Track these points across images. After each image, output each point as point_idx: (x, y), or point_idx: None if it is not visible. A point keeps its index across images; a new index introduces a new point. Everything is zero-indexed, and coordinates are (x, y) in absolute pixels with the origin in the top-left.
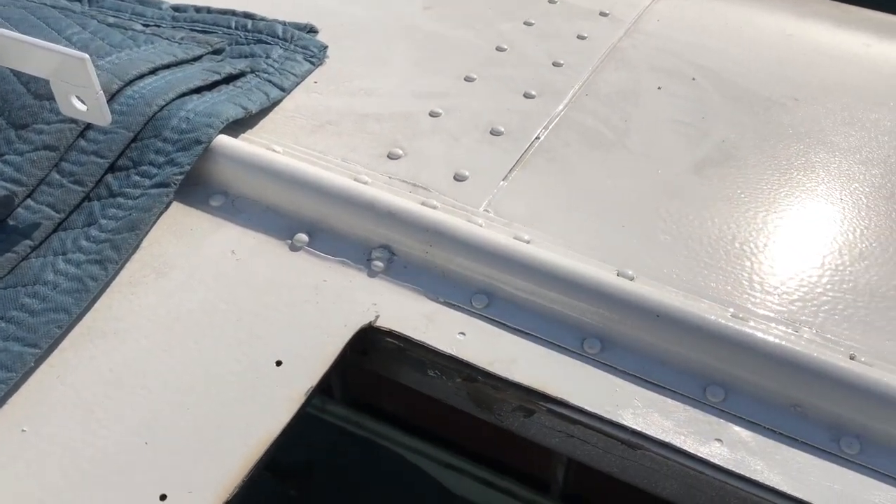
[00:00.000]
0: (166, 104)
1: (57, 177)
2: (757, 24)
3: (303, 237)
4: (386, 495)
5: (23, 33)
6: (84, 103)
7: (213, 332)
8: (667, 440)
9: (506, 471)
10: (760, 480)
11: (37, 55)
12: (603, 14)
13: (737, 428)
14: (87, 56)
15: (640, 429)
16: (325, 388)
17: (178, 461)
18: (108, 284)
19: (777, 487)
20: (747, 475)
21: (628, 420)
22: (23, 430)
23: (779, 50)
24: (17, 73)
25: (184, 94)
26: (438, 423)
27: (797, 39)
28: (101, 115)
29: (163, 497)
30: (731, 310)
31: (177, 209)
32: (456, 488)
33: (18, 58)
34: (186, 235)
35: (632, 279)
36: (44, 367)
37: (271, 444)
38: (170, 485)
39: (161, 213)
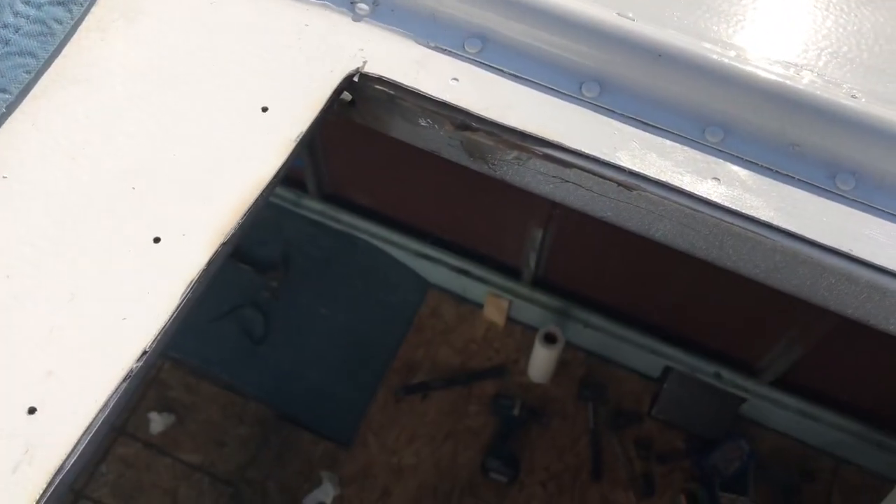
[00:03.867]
0: None
1: None
2: None
3: None
4: (362, 284)
5: None
6: None
7: (192, 79)
8: (663, 179)
9: (480, 260)
10: (756, 216)
11: None
12: None
13: (735, 167)
14: None
15: (637, 169)
16: (299, 183)
17: (169, 205)
18: (74, 29)
19: (771, 222)
20: (743, 211)
21: (625, 161)
22: (3, 177)
23: None
24: None
25: None
26: (414, 215)
27: None
28: None
29: (156, 240)
30: (733, 52)
31: None
32: (431, 276)
33: None
34: None
35: (632, 21)
36: (17, 114)
37: (265, 188)
38: (163, 228)
39: None
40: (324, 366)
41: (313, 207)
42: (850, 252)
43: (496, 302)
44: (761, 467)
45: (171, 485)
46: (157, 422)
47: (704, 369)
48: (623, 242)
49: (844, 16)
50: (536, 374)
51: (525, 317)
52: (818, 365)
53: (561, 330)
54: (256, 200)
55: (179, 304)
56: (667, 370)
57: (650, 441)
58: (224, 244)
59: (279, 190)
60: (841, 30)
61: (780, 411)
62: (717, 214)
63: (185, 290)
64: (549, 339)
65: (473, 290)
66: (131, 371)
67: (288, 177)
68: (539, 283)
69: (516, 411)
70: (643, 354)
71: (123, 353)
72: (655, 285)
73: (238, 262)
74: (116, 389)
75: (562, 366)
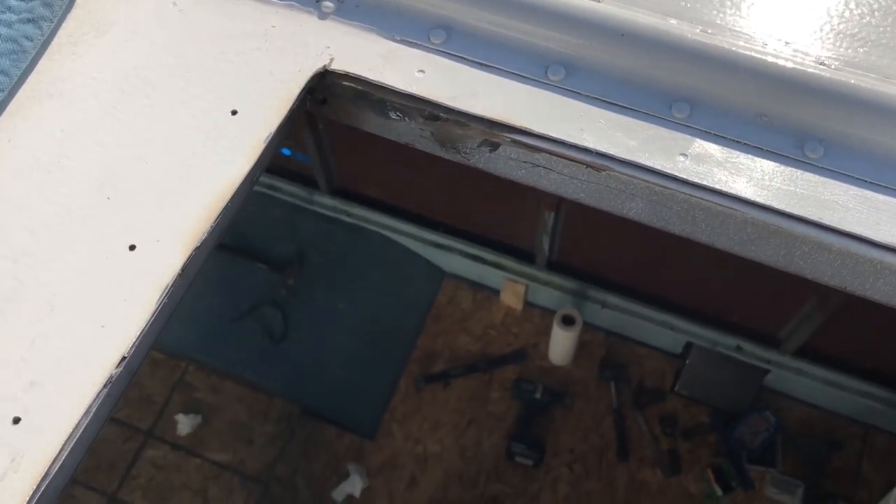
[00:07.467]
0: None
1: None
2: None
3: None
4: (378, 277)
5: None
6: None
7: (163, 87)
8: (631, 159)
9: (494, 246)
10: (724, 190)
11: None
12: None
13: (702, 142)
14: None
15: (604, 150)
16: (309, 179)
17: (143, 213)
18: (46, 45)
19: (740, 195)
20: (711, 185)
21: (592, 142)
22: None
23: None
24: None
25: None
26: (425, 205)
27: None
28: None
29: (132, 247)
30: (700, 27)
31: None
32: (446, 265)
33: None
34: None
35: (599, 1)
36: None
37: (236, 191)
38: (137, 235)
39: None
40: (345, 360)
41: (325, 203)
42: (819, 220)
43: (513, 287)
44: (789, 438)
45: (201, 485)
46: (185, 423)
47: (726, 343)
48: (635, 221)
49: None
50: (556, 356)
51: (542, 300)
52: (840, 332)
53: (578, 311)
54: (229, 203)
55: (156, 310)
56: (688, 346)
57: (675, 418)
58: (198, 248)
59: (290, 187)
60: None
61: (804, 381)
62: (687, 190)
63: (161, 296)
64: (567, 322)
65: (489, 276)
66: (111, 377)
67: (297, 174)
68: (554, 265)
69: (538, 394)
70: (663, 331)
71: (103, 360)
72: (670, 261)
73: (254, 262)
74: (97, 396)
75: (582, 347)
